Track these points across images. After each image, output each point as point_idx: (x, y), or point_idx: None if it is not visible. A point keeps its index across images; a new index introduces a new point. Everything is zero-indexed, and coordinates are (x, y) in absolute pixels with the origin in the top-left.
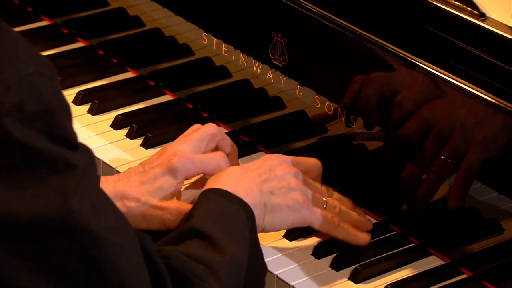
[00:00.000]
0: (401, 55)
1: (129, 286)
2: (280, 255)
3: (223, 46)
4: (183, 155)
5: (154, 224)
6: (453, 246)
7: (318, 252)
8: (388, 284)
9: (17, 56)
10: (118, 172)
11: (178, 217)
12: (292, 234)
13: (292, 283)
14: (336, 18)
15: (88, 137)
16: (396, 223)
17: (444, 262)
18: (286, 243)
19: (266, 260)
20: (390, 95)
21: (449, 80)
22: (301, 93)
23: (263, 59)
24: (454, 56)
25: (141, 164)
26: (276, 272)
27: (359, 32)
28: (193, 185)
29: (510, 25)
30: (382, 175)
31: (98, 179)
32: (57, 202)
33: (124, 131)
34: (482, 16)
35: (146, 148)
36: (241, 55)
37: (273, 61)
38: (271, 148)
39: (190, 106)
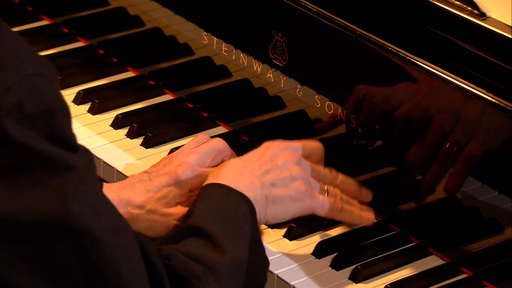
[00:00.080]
0: (401, 54)
1: (127, 287)
2: (280, 254)
3: (223, 46)
4: (189, 166)
5: (160, 231)
6: (453, 245)
7: (318, 251)
8: (388, 284)
9: (16, 57)
10: (118, 171)
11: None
12: (292, 233)
13: (292, 283)
14: (336, 17)
15: (88, 136)
16: (396, 223)
17: (444, 262)
18: (286, 242)
19: None
20: (390, 95)
21: (449, 80)
22: (301, 93)
23: (263, 58)
24: (454, 55)
25: (146, 172)
26: (276, 272)
27: (359, 31)
28: None
29: (510, 25)
30: (382, 174)
31: (100, 184)
32: (56, 203)
33: (124, 130)
34: (482, 15)
35: (146, 148)
36: (241, 55)
37: (273, 60)
38: None
39: (190, 105)
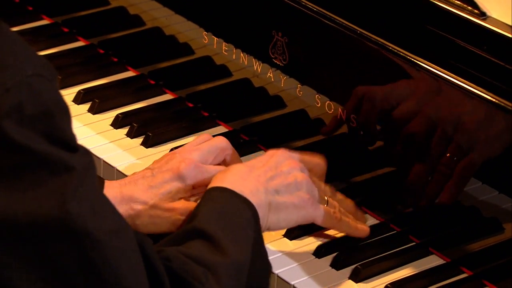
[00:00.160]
0: (401, 54)
1: (127, 287)
2: (280, 254)
3: (224, 45)
4: (192, 162)
5: (164, 227)
6: (453, 245)
7: (318, 251)
8: (389, 284)
9: (16, 57)
10: (119, 171)
11: (188, 216)
12: (293, 233)
13: (292, 282)
14: (336, 17)
15: (88, 136)
16: (397, 222)
17: (444, 262)
18: (286, 242)
19: None
20: (390, 95)
21: (449, 79)
22: (301, 92)
23: (264, 58)
24: (454, 55)
25: (148, 169)
26: (276, 271)
27: (360, 31)
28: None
29: (511, 24)
30: (382, 174)
31: (101, 182)
32: (56, 204)
33: (125, 130)
34: (482, 15)
35: (147, 147)
36: (242, 54)
37: (273, 60)
38: (271, 147)
39: (191, 105)
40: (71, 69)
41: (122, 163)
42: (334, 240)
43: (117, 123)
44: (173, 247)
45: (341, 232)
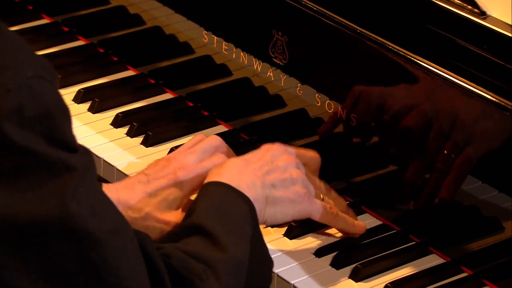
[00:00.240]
0: (401, 53)
1: (128, 287)
2: (280, 253)
3: (224, 44)
4: (189, 167)
5: (155, 235)
6: (453, 244)
7: (318, 250)
8: (389, 283)
9: (16, 59)
10: (119, 170)
11: None
12: (293, 232)
13: (292, 282)
14: (336, 16)
15: (88, 135)
16: (396, 222)
17: (444, 261)
18: (286, 241)
19: None
20: (390, 94)
21: (449, 79)
22: (301, 92)
23: (264, 57)
24: (454, 54)
25: (143, 173)
26: (276, 271)
27: (360, 30)
28: None
29: (511, 23)
30: (382, 173)
31: (99, 184)
32: (56, 205)
33: (125, 129)
34: (482, 14)
35: (147, 147)
36: (242, 54)
37: (273, 59)
38: None
39: (191, 104)
40: (71, 68)
41: (122, 162)
42: (334, 239)
43: (117, 122)
44: (172, 244)
45: (337, 228)
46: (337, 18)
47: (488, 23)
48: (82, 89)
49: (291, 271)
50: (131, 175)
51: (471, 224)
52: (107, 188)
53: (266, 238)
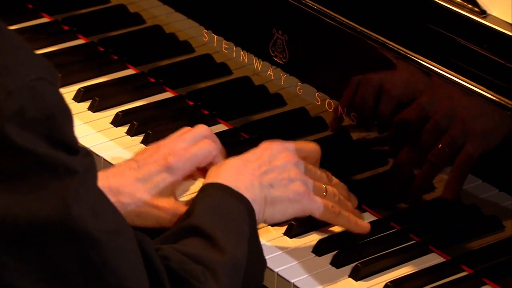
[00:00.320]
0: (401, 52)
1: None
2: (280, 252)
3: (224, 43)
4: (179, 153)
5: (149, 222)
6: (453, 243)
7: (318, 249)
8: (389, 282)
9: (18, 61)
10: None
11: (174, 217)
12: (293, 231)
13: (292, 281)
14: (336, 15)
15: (88, 134)
16: (397, 221)
17: (444, 260)
18: (286, 240)
19: (266, 257)
20: (390, 93)
21: (449, 77)
22: (301, 90)
23: (264, 56)
24: (454, 53)
25: (133, 160)
26: (276, 270)
27: (360, 29)
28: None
29: (511, 22)
30: (383, 172)
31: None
32: (57, 207)
33: (125, 128)
34: (482, 13)
35: (147, 145)
36: (242, 52)
37: (273, 58)
38: None
39: (191, 103)
40: (71, 67)
41: (122, 161)
42: (334, 238)
43: (117, 121)
44: (170, 245)
45: (340, 226)
46: (337, 17)
47: (488, 22)
48: (82, 88)
49: (291, 270)
50: (119, 163)
51: (471, 223)
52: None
53: (266, 237)
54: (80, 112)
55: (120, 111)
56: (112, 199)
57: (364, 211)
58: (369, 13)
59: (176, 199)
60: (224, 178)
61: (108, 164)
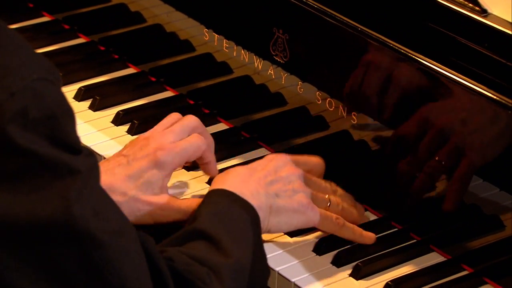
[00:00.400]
0: (402, 51)
1: None
2: (281, 251)
3: (224, 42)
4: (168, 147)
5: (143, 219)
6: (454, 242)
7: (319, 248)
8: (389, 281)
9: (19, 61)
10: None
11: (168, 212)
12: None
13: (293, 280)
14: (337, 14)
15: (89, 133)
16: (397, 220)
17: (445, 259)
18: (287, 239)
19: (267, 256)
20: (391, 91)
21: (450, 77)
22: (302, 89)
23: (264, 55)
24: (455, 52)
25: (122, 155)
26: (277, 269)
27: (361, 28)
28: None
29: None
30: (383, 171)
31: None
32: (59, 207)
33: (125, 127)
34: (483, 12)
35: None
36: (242, 51)
37: (274, 57)
38: (272, 144)
39: (191, 102)
40: (72, 66)
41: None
42: (334, 237)
43: (118, 120)
44: (175, 248)
45: (345, 238)
46: (338, 16)
47: (489, 21)
48: (83, 87)
49: (291, 269)
50: (108, 158)
51: (472, 222)
52: None
53: (267, 236)
54: (80, 111)
55: (120, 110)
56: None
57: (365, 210)
58: (370, 12)
59: (167, 193)
60: (230, 184)
61: None
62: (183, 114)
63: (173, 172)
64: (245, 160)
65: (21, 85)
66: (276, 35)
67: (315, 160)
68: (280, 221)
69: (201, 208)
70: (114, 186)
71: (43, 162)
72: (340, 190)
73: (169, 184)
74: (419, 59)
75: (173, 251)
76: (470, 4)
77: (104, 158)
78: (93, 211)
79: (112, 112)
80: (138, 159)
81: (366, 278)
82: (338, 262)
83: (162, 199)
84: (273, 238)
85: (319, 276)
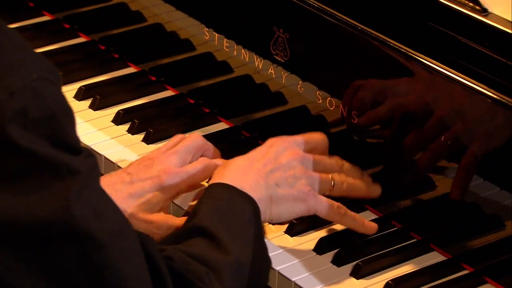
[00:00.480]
0: (402, 50)
1: None
2: (281, 250)
3: (225, 42)
4: (173, 171)
5: None
6: (454, 242)
7: (319, 247)
8: (390, 280)
9: (21, 61)
10: (119, 167)
11: (164, 231)
12: (294, 229)
13: (293, 279)
14: (338, 13)
15: (89, 132)
16: (398, 219)
17: (445, 258)
18: (287, 238)
19: None
20: (392, 91)
21: (451, 76)
22: (302, 89)
23: (265, 54)
24: (456, 51)
25: (126, 172)
26: (277, 268)
27: (361, 27)
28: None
29: None
30: (384, 170)
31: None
32: (59, 208)
33: (126, 126)
34: (484, 11)
35: (148, 144)
36: (243, 51)
37: (274, 56)
38: None
39: (192, 101)
40: (72, 65)
41: (123, 160)
42: (335, 236)
43: (118, 120)
44: (175, 246)
45: (346, 226)
46: (338, 15)
47: (490, 20)
48: (83, 86)
49: (292, 268)
50: (112, 173)
51: (472, 221)
52: None
53: (267, 235)
54: (81, 110)
55: (121, 110)
56: None
57: (365, 209)
58: (370, 11)
59: (167, 213)
60: (230, 178)
61: (109, 163)
62: (184, 113)
63: None
64: None
65: (21, 84)
66: (277, 34)
67: (317, 137)
68: (281, 210)
69: (200, 203)
70: None
71: (43, 162)
72: (346, 164)
73: None
74: (419, 58)
75: (173, 250)
76: (471, 3)
77: (105, 157)
78: (93, 211)
79: (112, 111)
80: (142, 180)
81: (367, 278)
82: (339, 261)
83: (158, 217)
84: (273, 237)
85: (320, 276)
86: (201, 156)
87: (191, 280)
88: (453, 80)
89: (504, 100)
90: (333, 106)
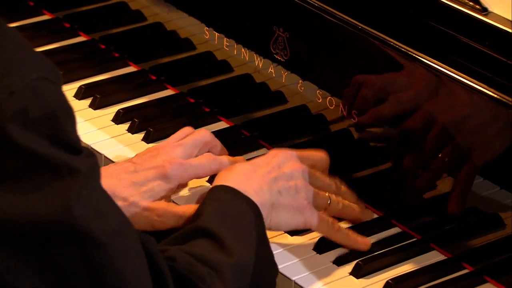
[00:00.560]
0: (403, 49)
1: None
2: (281, 250)
3: (225, 41)
4: (177, 162)
5: (141, 225)
6: (454, 241)
7: (319, 247)
8: (390, 280)
9: (21, 61)
10: None
11: (165, 218)
12: None
13: (293, 278)
14: (338, 12)
15: (89, 131)
16: (398, 218)
17: (445, 257)
18: (287, 238)
19: None
20: (392, 90)
21: (451, 75)
22: (302, 88)
23: (265, 53)
24: (456, 51)
25: (131, 162)
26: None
27: (361, 26)
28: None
29: None
30: (384, 170)
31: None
32: (59, 207)
33: (126, 125)
34: (484, 10)
35: (148, 143)
36: (243, 50)
37: (274, 55)
38: (272, 143)
39: (192, 100)
40: (72, 64)
41: (123, 159)
42: None
43: (118, 119)
44: (177, 246)
45: (340, 243)
46: (338, 15)
47: (490, 20)
48: (83, 85)
49: (292, 267)
50: (116, 162)
51: (472, 220)
52: None
53: (267, 234)
54: (81, 109)
55: (121, 109)
56: None
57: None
58: (370, 10)
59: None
60: (233, 181)
61: (109, 162)
62: (184, 112)
63: None
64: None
65: (21, 84)
66: (277, 34)
67: (319, 155)
68: (280, 219)
69: (204, 205)
70: (117, 191)
71: (43, 162)
72: (343, 188)
73: None
74: (419, 57)
75: (175, 250)
76: (471, 3)
77: (105, 156)
78: (93, 211)
79: (112, 110)
80: (145, 169)
81: (367, 277)
82: (339, 261)
83: (159, 205)
84: (273, 237)
85: (320, 275)
86: (208, 152)
87: (192, 281)
88: (453, 79)
89: (504, 99)
90: (333, 105)
